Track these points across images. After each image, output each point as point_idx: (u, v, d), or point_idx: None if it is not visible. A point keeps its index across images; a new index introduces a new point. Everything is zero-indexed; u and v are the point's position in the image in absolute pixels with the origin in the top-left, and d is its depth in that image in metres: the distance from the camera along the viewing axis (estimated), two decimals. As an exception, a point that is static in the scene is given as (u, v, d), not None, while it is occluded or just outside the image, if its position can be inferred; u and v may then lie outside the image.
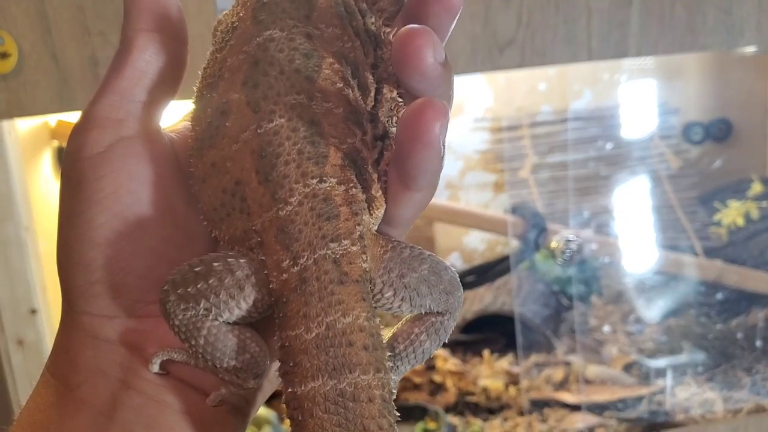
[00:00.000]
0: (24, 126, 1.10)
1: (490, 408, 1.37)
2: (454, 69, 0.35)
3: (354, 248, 0.32)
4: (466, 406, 1.38)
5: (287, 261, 0.32)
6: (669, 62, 1.62)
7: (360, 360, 0.31)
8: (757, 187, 1.55)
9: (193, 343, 0.33)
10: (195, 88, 0.37)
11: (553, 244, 1.43)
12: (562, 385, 1.38)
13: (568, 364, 1.42)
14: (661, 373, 1.39)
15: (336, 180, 0.33)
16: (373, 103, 0.35)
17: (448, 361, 1.43)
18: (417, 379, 1.41)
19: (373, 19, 0.36)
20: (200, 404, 0.35)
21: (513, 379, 1.40)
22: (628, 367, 1.41)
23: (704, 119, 1.66)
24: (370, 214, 0.34)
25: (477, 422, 1.33)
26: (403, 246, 0.34)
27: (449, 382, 1.40)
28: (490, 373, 1.41)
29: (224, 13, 0.37)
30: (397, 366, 0.35)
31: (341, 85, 0.34)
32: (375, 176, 0.34)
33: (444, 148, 0.32)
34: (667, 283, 1.52)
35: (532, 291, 1.49)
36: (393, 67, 0.33)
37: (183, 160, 0.37)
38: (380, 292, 0.33)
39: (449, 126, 0.32)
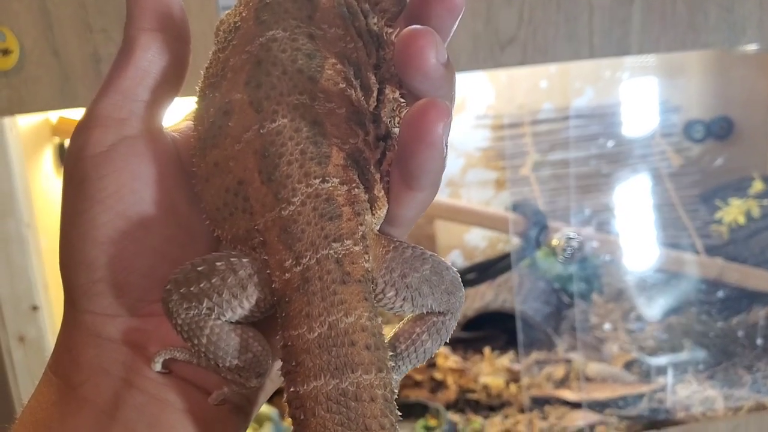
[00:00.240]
0: (25, 123, 1.10)
1: (491, 405, 1.37)
2: (456, 66, 0.35)
3: (356, 248, 0.32)
4: (466, 403, 1.38)
5: (290, 261, 0.32)
6: (670, 60, 1.62)
7: (362, 359, 0.31)
8: (758, 185, 1.55)
9: (195, 342, 0.33)
10: (197, 88, 0.37)
11: (554, 242, 1.43)
12: (562, 382, 1.38)
13: (568, 361, 1.42)
14: (661, 370, 1.39)
15: (338, 180, 0.33)
16: (375, 104, 0.35)
17: (449, 359, 1.43)
18: (418, 377, 1.42)
19: (375, 20, 0.36)
20: (202, 403, 0.35)
21: (514, 377, 1.40)
22: (628, 365, 1.41)
23: (705, 117, 1.65)
24: (373, 214, 0.34)
25: (478, 419, 1.33)
26: (405, 246, 0.34)
27: (450, 380, 1.40)
28: (490, 370, 1.42)
29: (227, 12, 0.37)
30: (399, 365, 0.35)
31: (344, 85, 0.34)
32: (377, 176, 0.34)
33: (447, 149, 0.32)
34: (668, 281, 1.52)
35: (533, 288, 1.49)
36: (395, 67, 0.33)
37: (185, 160, 0.37)
38: (382, 291, 0.33)
39: (451, 125, 0.32)
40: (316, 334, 0.31)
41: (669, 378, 1.38)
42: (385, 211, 0.35)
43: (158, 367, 0.35)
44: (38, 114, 1.14)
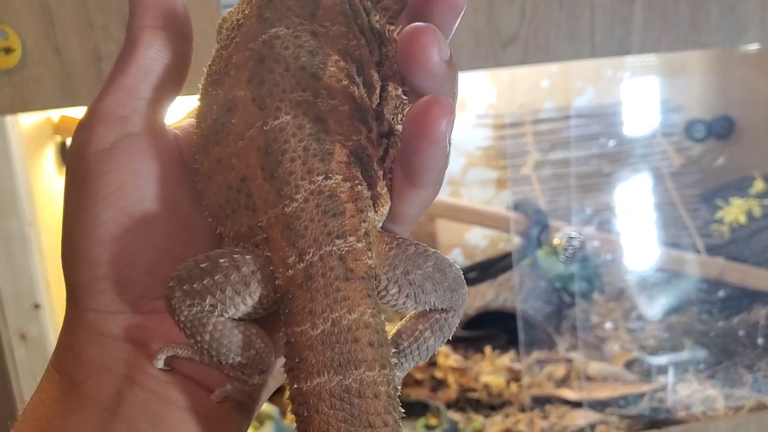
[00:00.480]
0: (27, 121, 1.10)
1: (492, 404, 1.37)
2: (457, 65, 0.35)
3: (359, 245, 0.32)
4: (467, 402, 1.38)
5: (293, 257, 0.32)
6: (672, 59, 1.62)
7: (365, 356, 0.31)
8: (759, 185, 1.55)
9: (198, 339, 0.33)
10: (200, 85, 0.37)
11: (556, 241, 1.43)
12: (563, 381, 1.38)
13: (569, 360, 1.42)
14: (662, 370, 1.39)
15: (341, 177, 0.33)
16: (378, 101, 0.35)
17: (449, 358, 1.43)
18: (418, 375, 1.42)
19: (377, 17, 0.36)
20: (205, 400, 0.35)
21: (514, 376, 1.40)
22: (629, 364, 1.41)
23: (707, 117, 1.65)
24: (376, 211, 0.34)
25: (478, 418, 1.33)
26: (408, 243, 0.34)
27: (451, 379, 1.40)
28: (491, 369, 1.42)
29: (229, 10, 0.37)
30: (402, 363, 0.35)
31: (346, 82, 0.34)
32: (380, 173, 0.34)
33: (450, 146, 0.32)
34: (669, 280, 1.52)
35: (534, 288, 1.49)
36: (398, 64, 0.33)
37: (188, 157, 0.37)
38: (385, 288, 0.33)
39: (454, 122, 0.32)
40: (319, 330, 0.31)
41: (670, 377, 1.38)
42: (387, 208, 0.35)
43: (161, 364, 0.35)
44: (40, 113, 1.14)
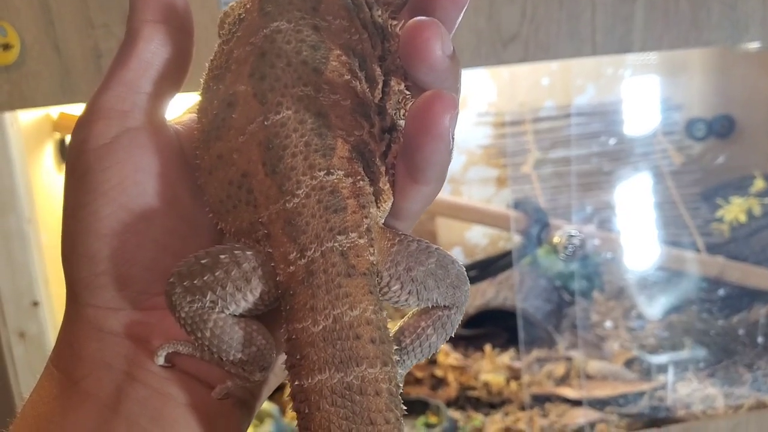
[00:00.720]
0: (26, 118, 1.10)
1: (492, 403, 1.37)
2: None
3: (361, 241, 0.32)
4: (467, 400, 1.38)
5: (294, 253, 0.32)
6: (672, 58, 1.62)
7: (367, 353, 0.30)
8: (759, 184, 1.55)
9: (199, 335, 0.33)
10: (201, 80, 0.37)
11: (556, 240, 1.43)
12: (563, 380, 1.38)
13: (569, 359, 1.42)
14: (662, 368, 1.39)
15: (343, 172, 0.32)
16: (380, 96, 0.34)
17: (449, 356, 1.43)
18: (418, 374, 1.42)
19: (379, 12, 0.36)
20: (205, 397, 0.35)
21: (514, 374, 1.40)
22: (629, 363, 1.41)
23: (707, 115, 1.65)
24: (378, 207, 0.34)
25: (478, 417, 1.33)
26: (411, 239, 0.34)
27: (451, 377, 1.40)
28: (491, 367, 1.42)
29: (231, 5, 0.37)
30: (404, 360, 0.35)
31: (349, 77, 0.34)
32: (382, 169, 0.34)
33: (453, 141, 0.32)
34: (669, 279, 1.52)
35: (534, 286, 1.49)
36: (401, 59, 0.33)
37: (188, 152, 0.37)
38: (387, 285, 0.33)
39: (457, 117, 0.32)
40: (320, 327, 0.31)
41: (669, 376, 1.37)
42: (390, 203, 0.34)
43: (161, 360, 0.34)
44: (39, 109, 1.14)
